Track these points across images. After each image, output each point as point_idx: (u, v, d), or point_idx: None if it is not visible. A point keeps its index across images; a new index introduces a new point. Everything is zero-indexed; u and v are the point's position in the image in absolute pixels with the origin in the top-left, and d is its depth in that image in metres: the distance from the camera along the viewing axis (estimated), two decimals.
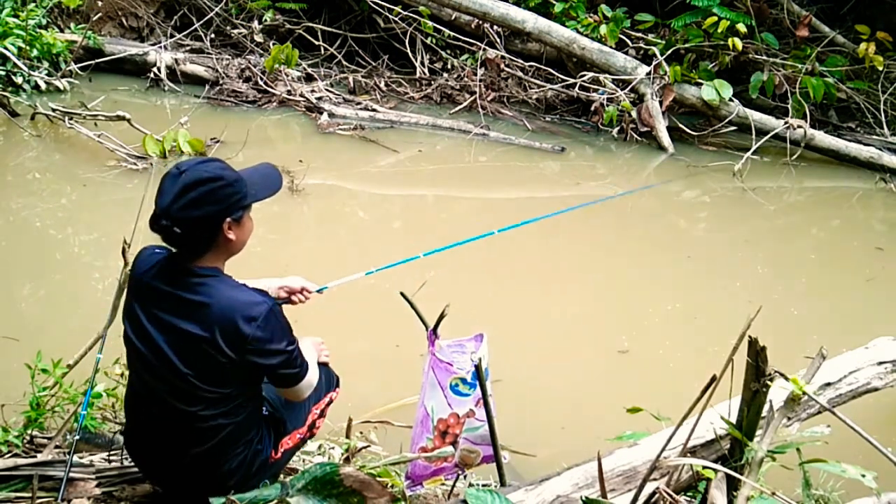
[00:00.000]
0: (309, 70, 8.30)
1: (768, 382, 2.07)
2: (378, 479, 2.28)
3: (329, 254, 5.25)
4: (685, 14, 7.93)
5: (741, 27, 7.54)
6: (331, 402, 2.64)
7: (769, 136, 7.44)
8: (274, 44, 8.24)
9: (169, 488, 2.41)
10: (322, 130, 7.35)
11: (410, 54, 8.57)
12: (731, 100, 7.62)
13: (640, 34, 8.17)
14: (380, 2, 8.24)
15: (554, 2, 8.25)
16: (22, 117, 6.69)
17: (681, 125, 7.70)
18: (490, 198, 6.70)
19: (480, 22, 8.22)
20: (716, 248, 5.93)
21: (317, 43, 8.79)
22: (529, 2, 8.23)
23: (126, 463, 2.61)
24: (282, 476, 2.53)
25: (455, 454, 2.67)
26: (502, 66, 8.30)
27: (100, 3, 8.51)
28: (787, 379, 2.05)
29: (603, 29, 7.91)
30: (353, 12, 8.90)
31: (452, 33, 8.27)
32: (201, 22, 8.55)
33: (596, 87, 7.88)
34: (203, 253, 2.15)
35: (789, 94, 7.73)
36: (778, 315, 4.62)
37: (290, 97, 7.82)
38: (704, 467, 2.15)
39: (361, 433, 3.25)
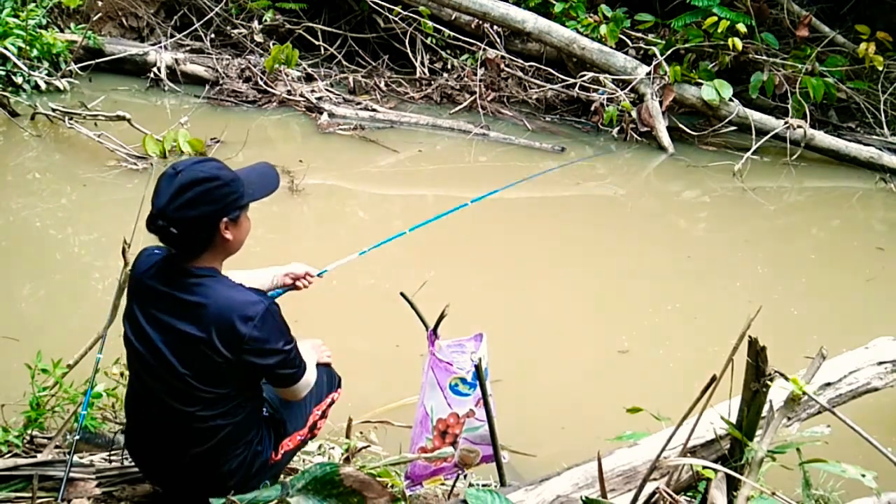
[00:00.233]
0: (309, 70, 8.30)
1: (768, 382, 2.07)
2: (378, 479, 2.28)
3: (329, 254, 5.20)
4: (685, 14, 7.93)
5: (741, 27, 7.54)
6: (332, 402, 2.64)
7: (769, 136, 7.44)
8: (274, 44, 8.24)
9: (169, 489, 2.40)
10: (322, 130, 7.35)
11: (410, 54, 8.57)
12: (731, 100, 7.62)
13: (640, 34, 8.17)
14: (380, 2, 8.24)
15: (554, 2, 8.25)
16: (22, 117, 6.69)
17: (681, 125, 7.70)
18: (490, 198, 6.68)
19: (480, 22, 8.22)
20: (716, 248, 5.93)
21: (317, 43, 8.79)
22: (529, 2, 8.23)
23: (126, 463, 2.61)
24: (282, 476, 2.53)
25: (455, 454, 2.67)
26: (502, 66, 8.30)
27: (100, 3, 8.51)
28: (787, 379, 2.05)
29: (603, 29, 7.91)
30: (353, 12, 8.90)
31: (452, 33, 8.27)
32: (201, 22, 8.55)
33: (596, 87, 7.88)
34: (200, 253, 2.15)
35: (789, 94, 7.73)
36: (778, 315, 4.62)
37: (290, 97, 7.82)
38: (704, 467, 2.15)
39: (361, 433, 3.25)
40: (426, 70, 8.61)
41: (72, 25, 8.21)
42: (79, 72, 7.67)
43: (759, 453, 2.12)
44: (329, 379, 2.62)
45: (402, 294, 2.66)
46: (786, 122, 7.53)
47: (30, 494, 2.32)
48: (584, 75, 7.87)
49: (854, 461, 2.06)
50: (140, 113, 6.63)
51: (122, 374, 2.81)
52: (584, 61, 7.96)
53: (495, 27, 8.23)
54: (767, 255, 5.78)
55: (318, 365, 2.55)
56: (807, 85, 7.65)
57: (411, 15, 8.28)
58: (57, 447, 2.69)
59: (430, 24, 8.22)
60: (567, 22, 8.07)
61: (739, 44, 7.53)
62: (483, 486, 2.99)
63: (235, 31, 8.62)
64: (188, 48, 8.41)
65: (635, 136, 7.67)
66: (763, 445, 2.13)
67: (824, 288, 5.37)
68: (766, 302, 2.45)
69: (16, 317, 4.13)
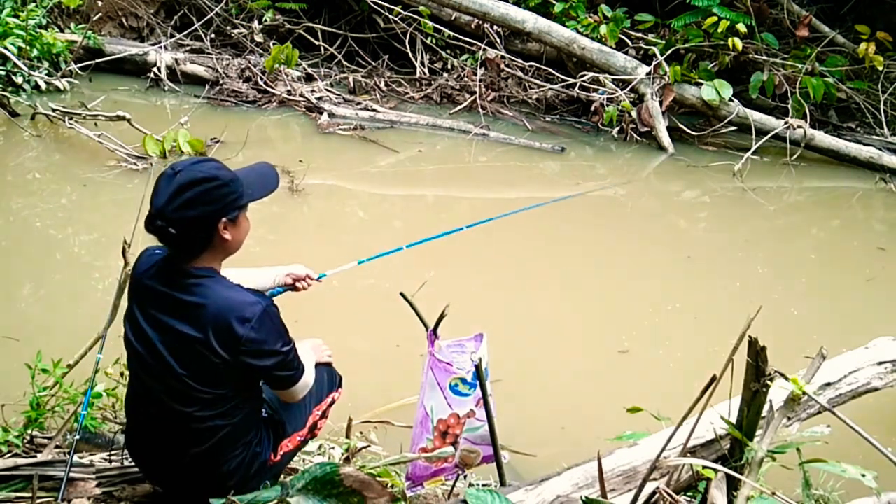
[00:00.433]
0: (309, 70, 8.30)
1: (768, 382, 2.07)
2: (378, 479, 2.28)
3: (329, 254, 5.24)
4: (685, 14, 7.93)
5: (741, 27, 7.54)
6: (333, 402, 2.63)
7: (769, 136, 7.44)
8: (274, 44, 8.24)
9: (169, 489, 2.40)
10: (322, 130, 7.35)
11: (410, 54, 8.57)
12: (731, 100, 7.62)
13: (640, 34, 8.18)
14: (380, 2, 8.24)
15: (554, 2, 8.25)
16: (22, 117, 6.69)
17: (681, 125, 7.71)
18: (490, 198, 6.70)
19: (480, 22, 8.22)
20: (716, 248, 5.93)
21: (317, 43, 8.79)
22: (529, 2, 8.23)
23: (126, 463, 2.61)
24: (282, 476, 2.53)
25: (455, 454, 2.67)
26: (502, 66, 8.30)
27: (100, 3, 8.51)
28: (787, 379, 2.05)
29: (603, 29, 7.91)
30: (353, 12, 8.90)
31: (452, 33, 8.27)
32: (201, 22, 8.55)
33: (596, 87, 7.89)
34: (199, 253, 2.14)
35: (789, 94, 7.74)
36: (778, 315, 4.62)
37: (290, 97, 7.82)
38: (704, 467, 2.15)
39: (361, 433, 3.25)
40: (426, 70, 8.61)
41: (72, 25, 8.21)
42: (79, 72, 7.67)
43: (759, 453, 2.12)
44: (330, 378, 2.62)
45: (402, 294, 2.66)
46: (786, 122, 7.53)
47: (30, 494, 2.32)
48: (584, 75, 7.88)
49: (854, 461, 2.06)
50: (140, 113, 6.63)
51: (122, 374, 2.81)
52: (584, 61, 7.96)
53: (495, 27, 8.23)
54: (767, 255, 5.78)
55: (319, 365, 2.55)
56: (807, 85, 7.65)
57: (411, 15, 8.28)
58: (57, 447, 2.69)
59: (430, 24, 8.22)
60: (567, 22, 8.07)
61: (739, 44, 7.53)
62: (483, 486, 2.99)
63: (235, 31, 8.62)
64: (188, 48, 8.41)
65: (635, 136, 7.68)
66: (763, 445, 2.13)
67: (824, 288, 5.37)
68: (766, 302, 2.45)
69: (16, 317, 4.12)
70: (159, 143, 6.12)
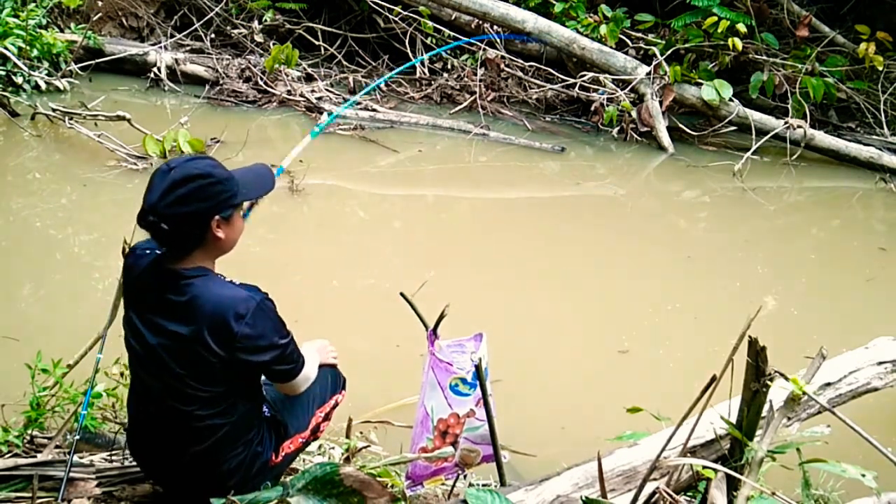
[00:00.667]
0: (309, 70, 8.30)
1: (768, 382, 2.07)
2: (378, 479, 2.29)
3: (329, 253, 5.25)
4: (685, 14, 7.93)
5: (741, 27, 7.54)
6: (336, 405, 2.62)
7: (769, 136, 7.44)
8: (274, 44, 8.24)
9: (169, 488, 2.41)
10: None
11: (410, 54, 8.56)
12: (731, 100, 7.62)
13: (640, 34, 8.17)
14: (380, 2, 8.24)
15: (554, 2, 8.24)
16: (22, 117, 6.69)
17: (681, 125, 7.70)
18: (490, 198, 6.70)
19: (480, 22, 8.22)
20: (716, 248, 5.92)
21: (317, 43, 8.79)
22: (529, 2, 8.23)
23: (126, 463, 2.61)
24: (282, 476, 2.53)
25: (455, 454, 2.67)
26: (502, 66, 8.30)
27: (100, 3, 8.51)
28: (787, 379, 2.06)
29: (603, 29, 7.91)
30: (353, 12, 8.90)
31: (452, 33, 8.26)
32: (201, 22, 8.55)
33: (596, 87, 7.88)
34: (191, 251, 2.13)
35: (789, 94, 7.73)
36: (778, 315, 4.62)
37: (290, 97, 7.82)
38: (704, 467, 2.15)
39: (361, 433, 3.25)
40: (426, 70, 8.61)
41: (72, 25, 8.21)
42: (79, 72, 7.67)
43: (759, 453, 2.12)
44: (334, 381, 2.61)
45: (401, 294, 2.66)
46: (786, 122, 7.53)
47: (30, 494, 2.32)
48: (584, 75, 7.87)
49: (854, 461, 2.06)
50: (140, 113, 6.63)
51: (122, 374, 2.82)
52: (584, 61, 7.96)
53: (495, 27, 8.23)
54: (767, 255, 5.78)
55: (324, 366, 2.55)
56: (807, 85, 7.64)
57: (411, 15, 8.28)
58: (57, 447, 2.69)
59: (430, 24, 8.22)
60: (567, 22, 8.07)
61: (739, 44, 7.53)
62: (483, 485, 2.99)
63: (235, 31, 8.62)
64: (188, 48, 8.41)
65: (635, 136, 7.67)
66: (763, 445, 2.13)
67: (824, 288, 5.37)
68: (766, 302, 2.45)
69: (16, 317, 4.12)
70: (159, 143, 6.12)
